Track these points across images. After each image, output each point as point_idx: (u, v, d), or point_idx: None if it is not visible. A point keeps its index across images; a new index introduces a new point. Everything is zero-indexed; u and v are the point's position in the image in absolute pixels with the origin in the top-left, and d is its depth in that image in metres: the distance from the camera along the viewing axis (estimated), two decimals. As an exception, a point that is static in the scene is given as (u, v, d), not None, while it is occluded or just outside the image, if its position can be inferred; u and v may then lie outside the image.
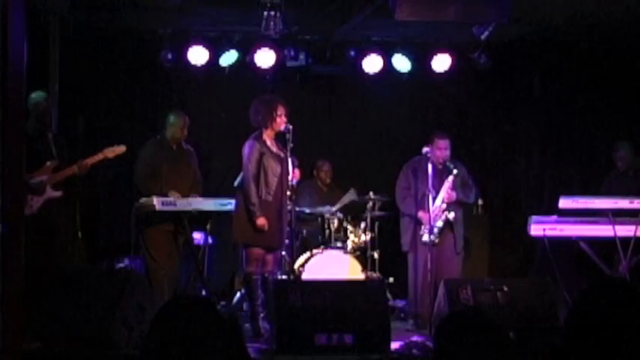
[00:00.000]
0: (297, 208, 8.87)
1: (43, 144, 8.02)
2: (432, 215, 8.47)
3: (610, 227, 8.74)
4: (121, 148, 8.30)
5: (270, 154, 7.93)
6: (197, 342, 2.83)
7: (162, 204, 8.05)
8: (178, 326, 2.86)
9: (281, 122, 7.94)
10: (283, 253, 8.50)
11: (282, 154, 8.00)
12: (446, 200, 8.61)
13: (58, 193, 7.98)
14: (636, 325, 2.90)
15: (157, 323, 2.91)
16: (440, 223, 8.60)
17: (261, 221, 7.79)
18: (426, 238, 8.54)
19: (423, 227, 8.63)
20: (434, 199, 8.45)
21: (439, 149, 8.65)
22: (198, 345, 2.83)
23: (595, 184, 9.68)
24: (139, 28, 9.67)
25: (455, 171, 8.57)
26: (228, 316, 2.99)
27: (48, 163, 8.00)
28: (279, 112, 7.94)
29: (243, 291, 9.20)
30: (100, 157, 8.20)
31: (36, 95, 8.04)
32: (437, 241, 8.50)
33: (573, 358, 2.96)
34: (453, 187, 8.68)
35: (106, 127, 10.04)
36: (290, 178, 7.91)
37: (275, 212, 7.90)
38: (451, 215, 8.60)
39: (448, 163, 8.62)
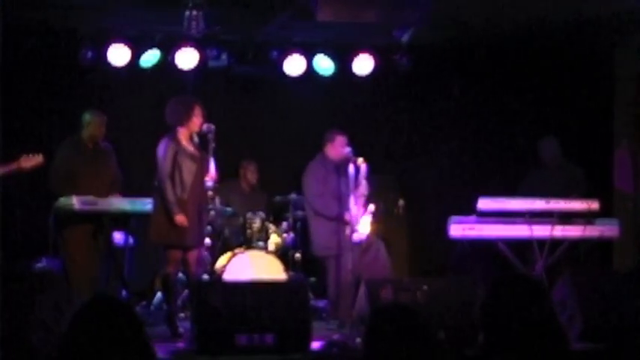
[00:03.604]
0: (220, 208, 8.86)
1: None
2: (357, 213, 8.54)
3: (527, 228, 8.89)
4: (38, 159, 7.92)
5: (184, 153, 7.90)
6: (113, 343, 2.83)
7: (82, 204, 7.95)
8: (94, 328, 2.85)
9: (197, 122, 7.92)
10: (205, 253, 8.45)
11: (198, 154, 7.97)
12: (364, 192, 8.66)
13: None
14: (535, 317, 2.98)
15: (72, 325, 2.89)
16: (367, 218, 8.65)
17: (180, 218, 7.73)
18: (356, 237, 8.60)
19: (349, 227, 8.67)
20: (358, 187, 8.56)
21: (341, 146, 8.72)
22: (114, 346, 2.83)
23: (513, 184, 9.83)
24: (59, 26, 9.54)
25: (364, 166, 8.62)
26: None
27: None
28: (196, 113, 7.93)
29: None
30: (14, 166, 7.80)
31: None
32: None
33: (490, 355, 3.02)
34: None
35: (24, 127, 9.88)
36: (207, 179, 7.89)
37: (192, 211, 7.85)
38: (372, 207, 8.65)
39: (351, 156, 8.57)
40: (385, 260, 8.91)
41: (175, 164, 7.83)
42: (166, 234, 7.82)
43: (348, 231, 8.59)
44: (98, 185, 8.30)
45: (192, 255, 7.97)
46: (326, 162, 8.91)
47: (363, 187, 8.67)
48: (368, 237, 8.67)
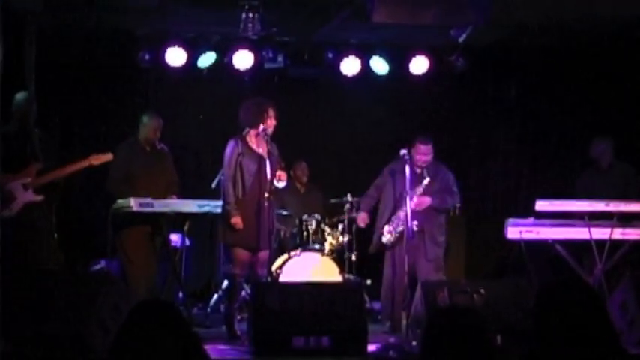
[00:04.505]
0: (275, 210, 8.86)
1: (27, 145, 7.93)
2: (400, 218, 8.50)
3: (586, 230, 8.78)
4: (108, 157, 8.15)
5: (249, 154, 7.89)
6: (161, 348, 2.85)
7: (140, 205, 7.98)
8: (142, 332, 2.88)
9: (271, 124, 7.91)
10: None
11: (264, 156, 7.94)
12: (414, 207, 8.47)
13: (39, 198, 7.88)
14: (586, 322, 2.93)
15: (122, 328, 2.94)
16: (400, 228, 8.55)
17: (235, 220, 7.74)
18: (385, 238, 8.58)
19: (386, 228, 8.65)
20: (411, 199, 8.41)
21: (419, 154, 8.62)
22: (162, 350, 2.85)
23: (571, 186, 9.72)
24: (116, 29, 9.63)
25: (426, 181, 8.50)
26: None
27: (34, 165, 7.90)
28: (270, 114, 7.91)
29: (220, 293, 9.20)
30: (85, 164, 8.04)
31: (19, 96, 7.98)
32: (393, 243, 8.54)
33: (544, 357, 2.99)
34: (426, 194, 8.60)
35: (83, 128, 10.01)
36: (271, 178, 7.85)
37: (252, 212, 7.86)
38: (414, 224, 8.49)
39: (426, 170, 8.56)
40: None
41: (237, 166, 7.84)
42: (230, 234, 7.84)
43: (385, 230, 8.59)
44: (155, 187, 8.35)
45: (258, 257, 7.95)
46: (398, 164, 8.74)
47: (416, 202, 8.52)
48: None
